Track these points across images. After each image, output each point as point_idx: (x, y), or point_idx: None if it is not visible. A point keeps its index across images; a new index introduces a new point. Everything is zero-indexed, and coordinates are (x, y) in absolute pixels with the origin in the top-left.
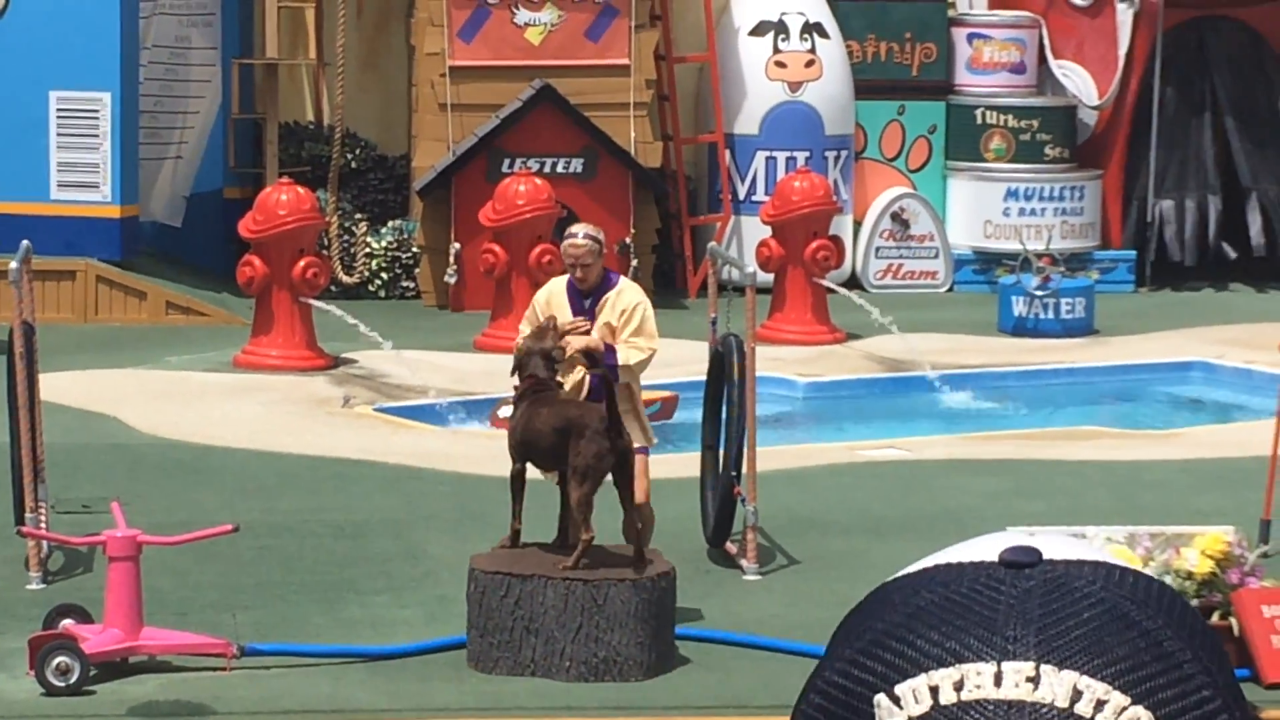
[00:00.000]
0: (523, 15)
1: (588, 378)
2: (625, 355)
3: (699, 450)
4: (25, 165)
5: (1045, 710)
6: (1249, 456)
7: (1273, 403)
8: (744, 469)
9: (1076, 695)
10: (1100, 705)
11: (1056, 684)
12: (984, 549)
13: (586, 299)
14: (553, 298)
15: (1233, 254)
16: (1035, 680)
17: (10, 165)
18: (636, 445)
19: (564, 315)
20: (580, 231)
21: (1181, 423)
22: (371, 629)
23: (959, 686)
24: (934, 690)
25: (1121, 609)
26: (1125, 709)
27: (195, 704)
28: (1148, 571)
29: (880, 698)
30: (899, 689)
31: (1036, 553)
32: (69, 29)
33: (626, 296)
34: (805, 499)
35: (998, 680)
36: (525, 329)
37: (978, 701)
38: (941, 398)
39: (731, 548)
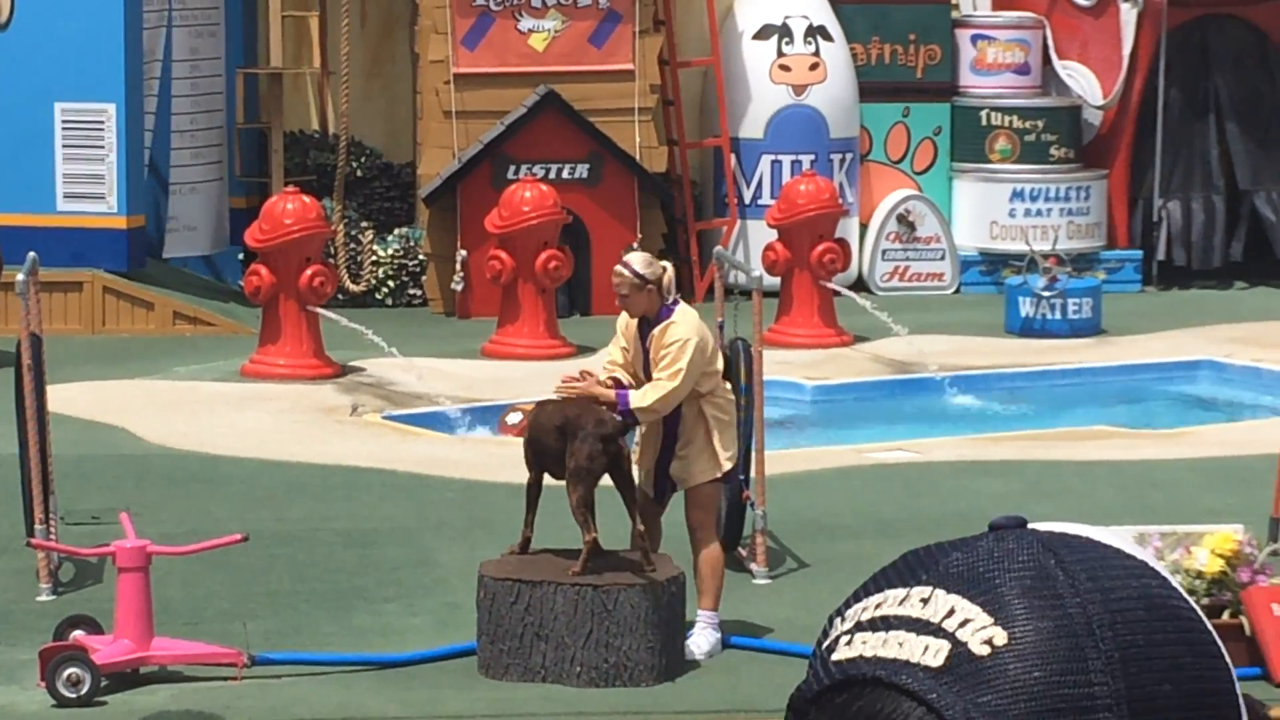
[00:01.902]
0: (526, 22)
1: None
2: (638, 399)
3: None
4: (31, 177)
5: (921, 622)
6: (1258, 455)
7: None
8: (752, 473)
9: (950, 612)
10: (965, 622)
11: (940, 603)
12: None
13: (648, 330)
14: (630, 325)
15: (1238, 256)
16: (926, 600)
17: (16, 177)
18: (705, 479)
19: (635, 342)
20: (625, 261)
21: (1190, 422)
22: (382, 637)
23: (879, 606)
24: (862, 609)
25: (1046, 570)
26: (985, 627)
27: (207, 714)
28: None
29: (836, 618)
30: (847, 610)
31: (1021, 519)
32: (73, 41)
33: (673, 332)
34: (814, 502)
35: (903, 601)
36: (613, 349)
37: (883, 616)
38: (950, 399)
39: (742, 552)
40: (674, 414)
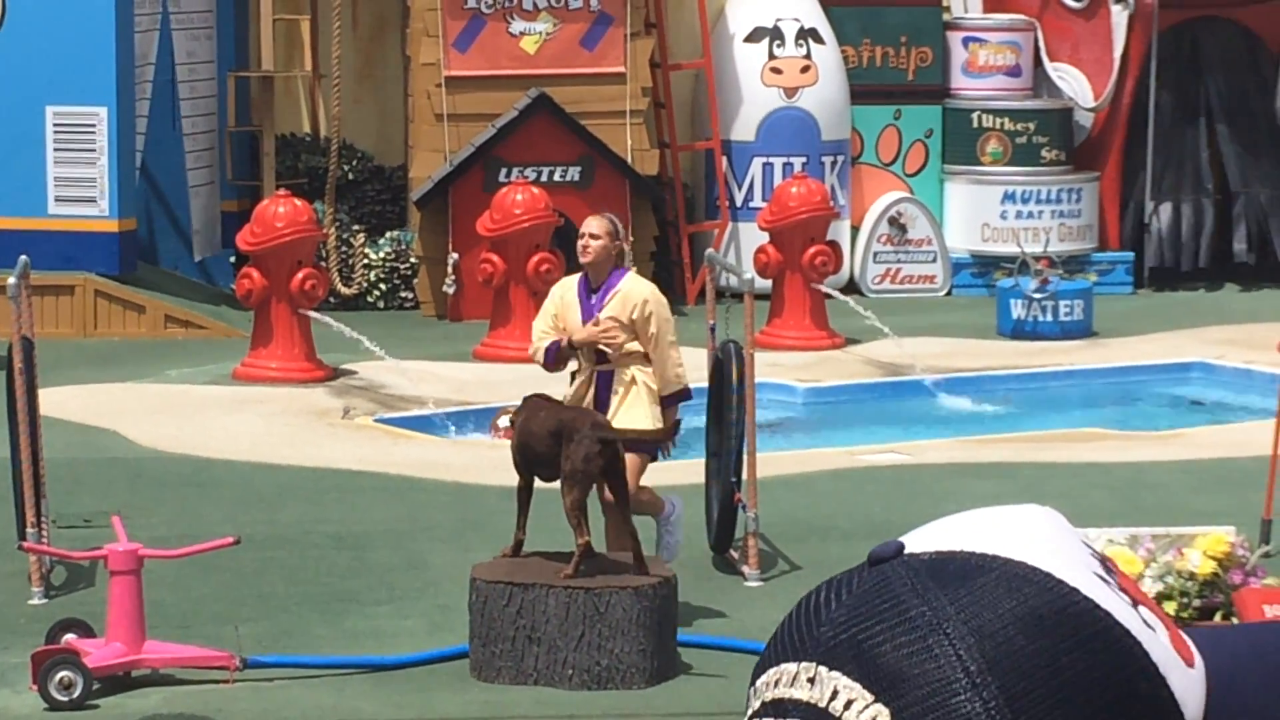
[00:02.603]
0: (518, 25)
1: (595, 374)
2: (678, 381)
3: (700, 457)
4: (22, 180)
5: (808, 708)
6: (1249, 457)
7: (1273, 402)
8: (744, 475)
9: (834, 694)
10: (849, 704)
11: (824, 683)
12: (949, 522)
13: (593, 295)
14: (565, 293)
15: (1245, 257)
16: (813, 680)
17: (7, 180)
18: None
19: (573, 313)
20: (608, 216)
21: (1182, 424)
22: (374, 640)
23: (777, 683)
24: (767, 685)
25: (905, 605)
26: (867, 706)
27: (199, 717)
28: (1149, 573)
29: (751, 689)
30: (758, 681)
31: (896, 547)
32: (64, 44)
33: (635, 294)
34: (806, 504)
35: (794, 679)
36: (539, 325)
37: (777, 699)
38: (941, 402)
39: (733, 554)
40: (606, 380)
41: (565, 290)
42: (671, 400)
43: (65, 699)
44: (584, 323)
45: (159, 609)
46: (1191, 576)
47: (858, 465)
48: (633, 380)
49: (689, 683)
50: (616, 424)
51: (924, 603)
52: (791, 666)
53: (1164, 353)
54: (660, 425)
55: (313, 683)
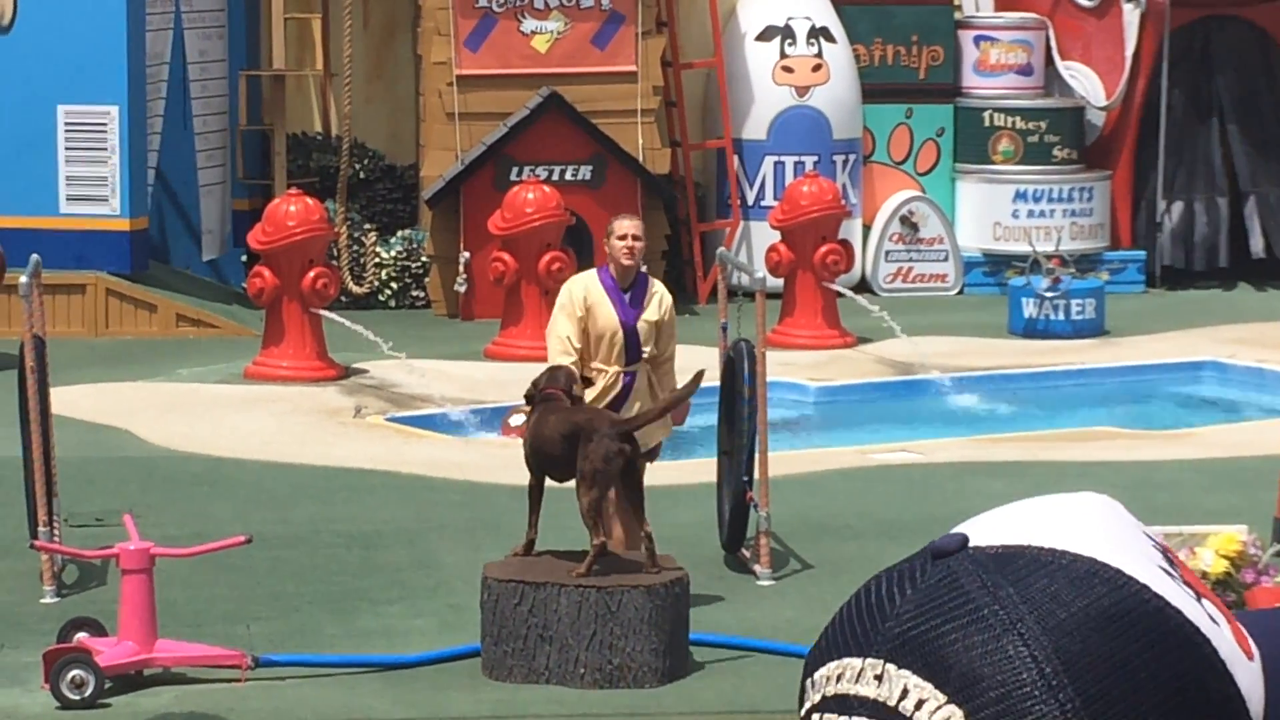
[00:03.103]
0: (529, 23)
1: (621, 377)
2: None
3: (712, 456)
4: (34, 180)
5: (876, 705)
6: (1261, 455)
7: None
8: (756, 474)
9: (904, 693)
10: (920, 704)
11: (894, 682)
12: (1008, 511)
13: (627, 293)
14: (590, 292)
15: (1259, 252)
16: (880, 678)
17: (19, 180)
18: (657, 440)
19: (605, 310)
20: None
21: (1193, 422)
22: (385, 639)
23: (839, 677)
24: (827, 680)
25: (977, 604)
26: (940, 707)
27: (210, 716)
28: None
29: (807, 681)
30: (816, 674)
31: (961, 540)
32: (75, 43)
33: (667, 300)
34: (818, 503)
35: (859, 675)
36: (563, 331)
37: (841, 695)
38: (953, 401)
39: (745, 553)
40: (629, 385)
41: (588, 290)
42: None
43: (77, 698)
44: (621, 321)
45: (171, 608)
46: (1204, 576)
47: (869, 464)
48: (649, 384)
49: (701, 681)
50: (649, 433)
51: (995, 601)
52: (855, 661)
53: (1176, 352)
54: (668, 430)
55: (324, 682)
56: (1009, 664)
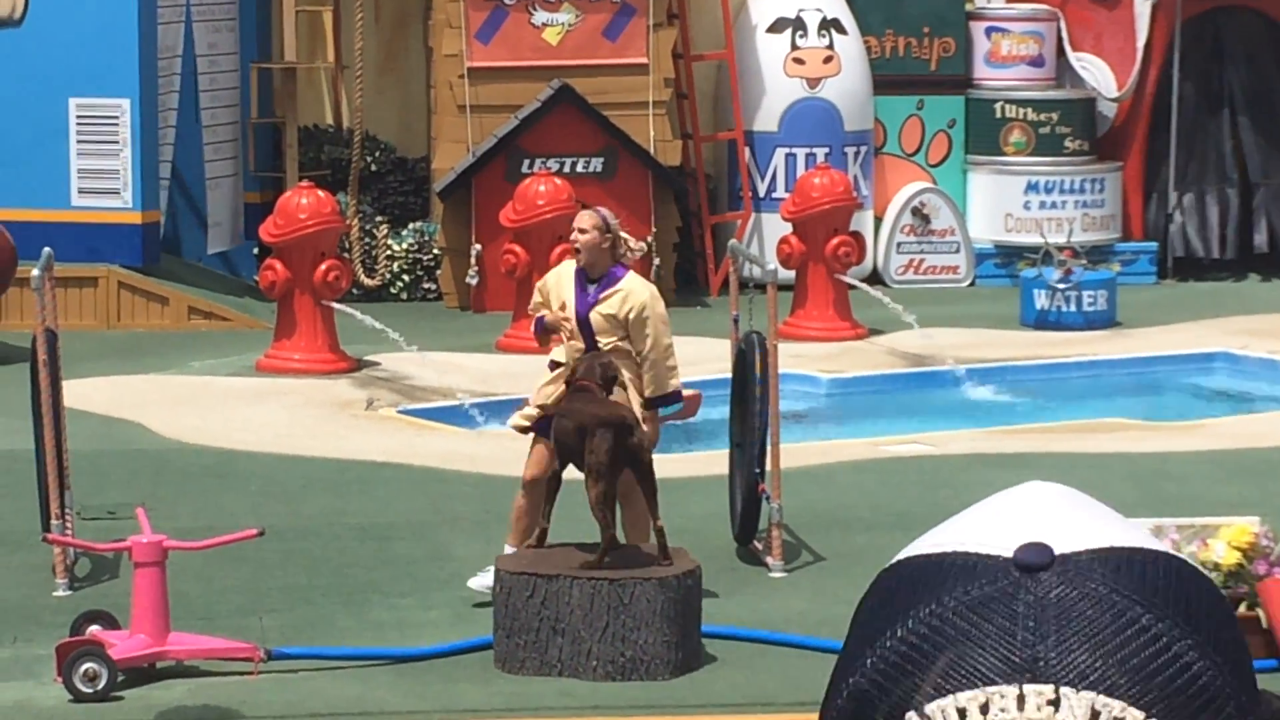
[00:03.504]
0: (540, 15)
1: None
2: (670, 384)
3: (724, 448)
4: (46, 173)
5: None
6: (1274, 447)
7: None
8: (768, 466)
9: (1094, 715)
10: None
11: (1076, 706)
12: (1005, 514)
13: (593, 284)
14: (561, 280)
15: (1263, 247)
16: (1055, 703)
17: (31, 173)
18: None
19: (568, 291)
20: (597, 209)
21: (1205, 414)
22: (398, 631)
23: (985, 709)
24: (961, 713)
25: (1132, 615)
26: None
27: (223, 708)
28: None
29: (912, 716)
30: (929, 709)
31: (1049, 552)
32: (87, 36)
33: (634, 299)
34: (830, 495)
35: (1020, 703)
36: (535, 300)
37: None
38: (964, 392)
39: (757, 545)
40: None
41: (560, 276)
42: (660, 402)
43: (90, 691)
44: (578, 312)
45: (183, 600)
46: (1216, 567)
47: (881, 456)
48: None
49: (713, 674)
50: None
51: (1139, 605)
52: (1008, 689)
53: (1187, 343)
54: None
55: (337, 674)
56: (1184, 668)
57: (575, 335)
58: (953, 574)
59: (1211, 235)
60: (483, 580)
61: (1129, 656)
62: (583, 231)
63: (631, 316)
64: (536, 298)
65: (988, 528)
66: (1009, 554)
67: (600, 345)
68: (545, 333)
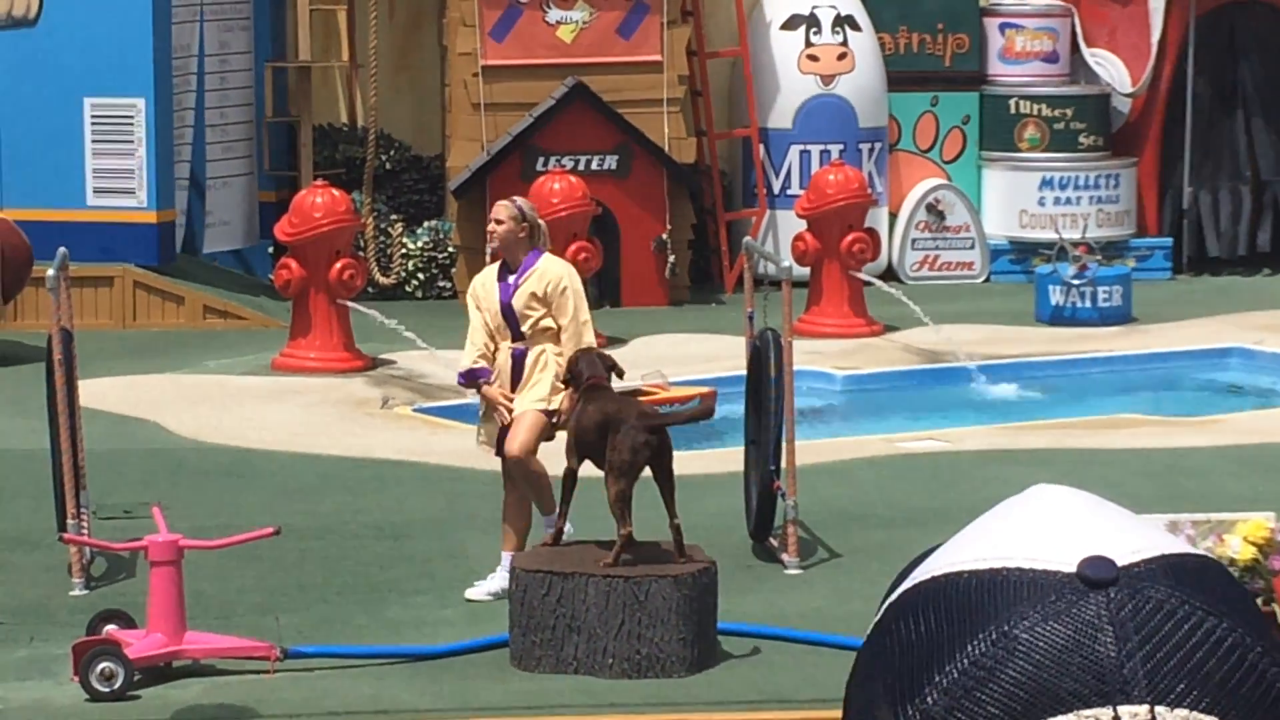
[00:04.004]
0: (554, 13)
1: (511, 353)
2: (583, 339)
3: (739, 446)
4: (61, 172)
5: None
6: None
7: None
8: (783, 463)
9: None
10: None
11: None
12: (1040, 524)
13: (510, 275)
14: (487, 285)
15: (1267, 246)
16: None
17: (46, 172)
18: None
19: (492, 293)
20: (514, 199)
21: (1221, 409)
22: (414, 629)
23: None
24: None
25: (1208, 626)
26: None
27: (239, 707)
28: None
29: None
30: None
31: (1113, 565)
32: (102, 36)
33: (550, 273)
34: (845, 492)
35: None
36: (472, 323)
37: None
38: (980, 389)
39: (773, 542)
40: (520, 356)
41: (485, 279)
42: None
43: (106, 690)
44: (500, 301)
45: (199, 600)
46: (1232, 563)
47: (897, 452)
48: (544, 355)
49: (729, 671)
50: (518, 402)
51: (1216, 617)
52: (1103, 712)
53: (1203, 338)
54: (551, 402)
55: (353, 672)
56: (1260, 674)
57: (500, 331)
58: (1012, 591)
59: (1226, 231)
60: (483, 588)
61: (1213, 670)
62: (499, 222)
63: (550, 289)
64: (471, 305)
65: (1031, 540)
66: (1069, 569)
67: (525, 331)
68: (470, 386)
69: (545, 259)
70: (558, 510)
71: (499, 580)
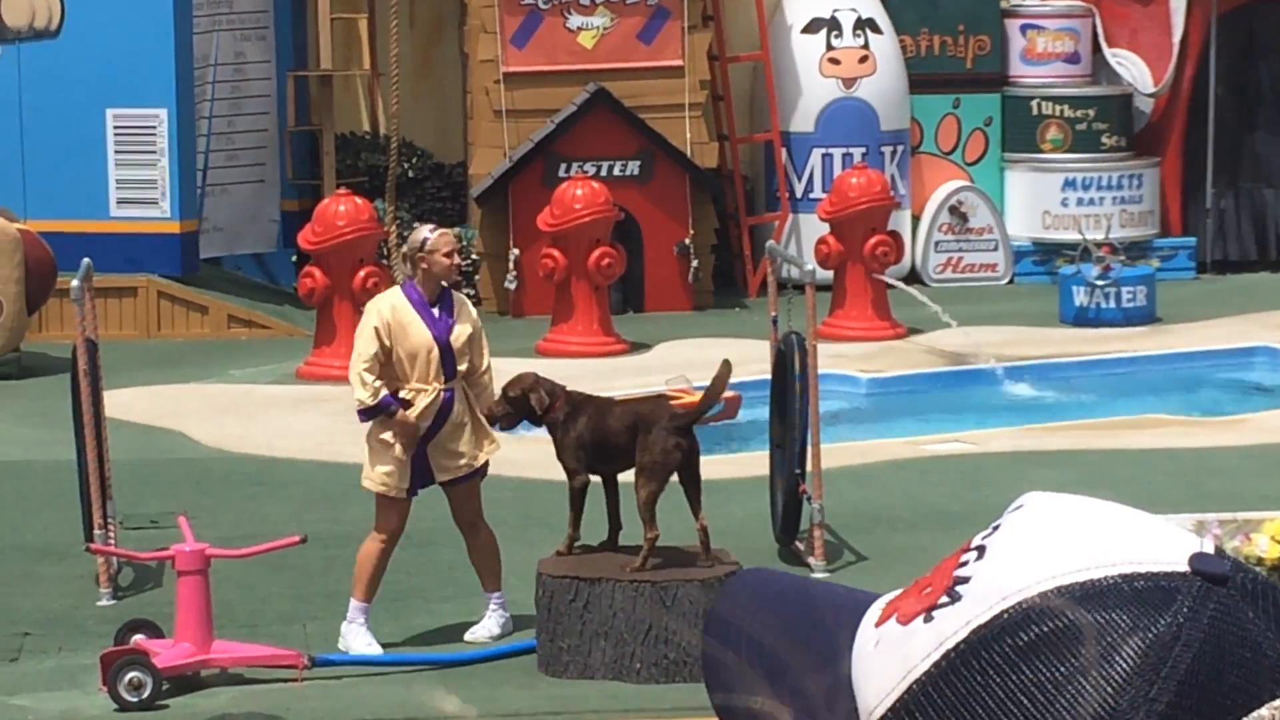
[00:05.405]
0: (575, 19)
1: (441, 394)
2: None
3: (765, 449)
4: (84, 183)
5: None
6: None
7: None
8: (808, 467)
9: None
10: None
11: None
12: (1069, 527)
13: (435, 307)
14: (399, 314)
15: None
16: None
17: (69, 183)
18: (487, 455)
19: (417, 327)
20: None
21: (1247, 409)
22: (441, 636)
23: None
24: None
25: None
26: None
27: (268, 715)
28: None
29: None
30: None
31: (1230, 562)
32: (124, 47)
33: (473, 309)
34: (871, 495)
35: None
36: (368, 351)
37: None
38: (1004, 390)
39: (799, 545)
40: (450, 399)
41: (396, 309)
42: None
43: (135, 699)
44: (435, 337)
45: (227, 609)
46: (1259, 562)
47: (922, 455)
48: (468, 400)
49: None
50: (466, 444)
51: None
52: None
53: (1227, 338)
54: (495, 445)
55: (381, 680)
56: None
57: (429, 370)
58: (1135, 597)
59: (1248, 231)
60: (483, 631)
61: None
62: (455, 253)
63: (476, 329)
64: (374, 346)
65: (1135, 541)
66: (1183, 567)
67: (460, 369)
68: (373, 418)
69: (457, 295)
70: (571, 520)
71: (496, 619)
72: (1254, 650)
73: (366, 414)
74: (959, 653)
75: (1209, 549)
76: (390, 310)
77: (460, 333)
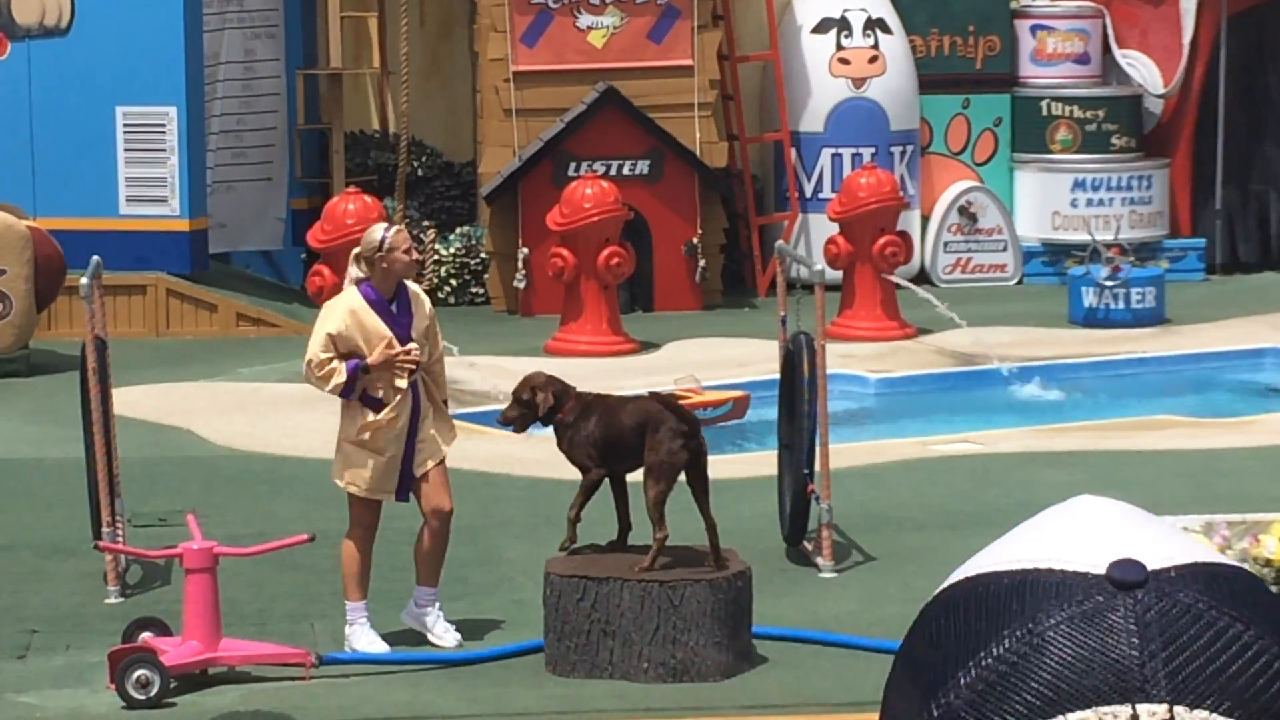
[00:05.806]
0: (585, 19)
1: (410, 390)
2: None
3: (773, 449)
4: (94, 181)
5: None
6: None
7: None
8: (817, 467)
9: None
10: None
11: None
12: (1075, 530)
13: (392, 304)
14: (359, 316)
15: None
16: None
17: (79, 181)
18: (451, 443)
19: (376, 326)
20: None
21: (1256, 410)
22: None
23: None
24: None
25: (1234, 631)
26: None
27: (276, 714)
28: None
29: None
30: None
31: (1143, 568)
32: (134, 45)
33: (426, 299)
34: (879, 495)
35: None
36: (325, 342)
37: None
38: (1013, 391)
39: (807, 546)
40: (416, 393)
41: (354, 310)
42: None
43: (142, 697)
44: (396, 334)
45: (235, 607)
46: (1268, 563)
47: (930, 455)
48: (429, 391)
49: (764, 675)
50: (435, 429)
51: (1243, 624)
52: (1121, 709)
53: (1237, 339)
54: (453, 433)
55: (389, 678)
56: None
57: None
58: (1041, 591)
59: (1257, 232)
60: (447, 634)
61: (1236, 673)
62: (413, 249)
63: (431, 319)
64: (329, 352)
65: (1066, 544)
66: (1099, 571)
67: (421, 362)
68: (354, 381)
69: (412, 286)
70: (576, 501)
71: (434, 616)
72: (1229, 635)
73: (348, 389)
74: (919, 614)
75: (1160, 564)
76: (349, 314)
77: (419, 326)
